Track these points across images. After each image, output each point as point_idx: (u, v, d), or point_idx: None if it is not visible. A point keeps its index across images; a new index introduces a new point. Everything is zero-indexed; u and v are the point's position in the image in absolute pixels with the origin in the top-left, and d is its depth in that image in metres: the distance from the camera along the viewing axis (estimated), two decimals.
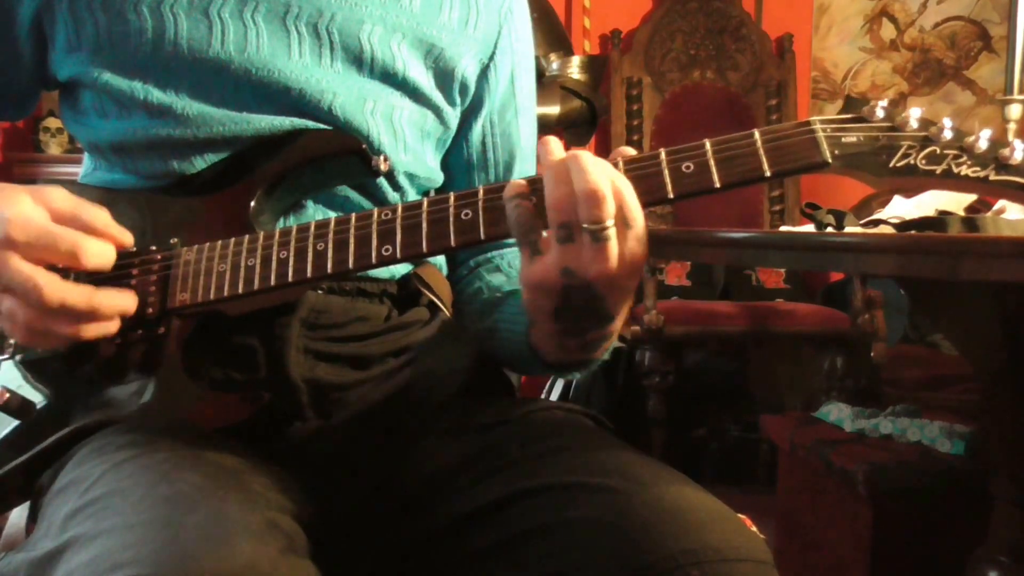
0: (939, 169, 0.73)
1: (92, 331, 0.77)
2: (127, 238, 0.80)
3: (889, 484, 1.69)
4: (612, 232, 0.69)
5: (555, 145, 0.73)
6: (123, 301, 0.78)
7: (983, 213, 1.39)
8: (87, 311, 0.76)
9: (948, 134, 0.73)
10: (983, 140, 0.72)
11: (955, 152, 0.73)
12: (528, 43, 1.04)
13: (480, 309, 0.95)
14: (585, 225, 0.69)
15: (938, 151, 0.73)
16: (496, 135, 1.01)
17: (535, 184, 0.73)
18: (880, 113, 0.74)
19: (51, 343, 0.78)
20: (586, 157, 0.70)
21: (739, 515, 0.73)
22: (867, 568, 1.74)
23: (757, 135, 0.73)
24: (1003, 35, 3.45)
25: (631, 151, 0.75)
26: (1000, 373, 1.35)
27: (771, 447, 2.63)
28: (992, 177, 0.72)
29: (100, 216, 0.79)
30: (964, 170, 0.72)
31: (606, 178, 0.69)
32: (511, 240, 0.99)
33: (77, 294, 0.75)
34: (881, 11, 3.69)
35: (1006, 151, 0.72)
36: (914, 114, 0.74)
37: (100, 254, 0.77)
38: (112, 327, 0.78)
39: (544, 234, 0.72)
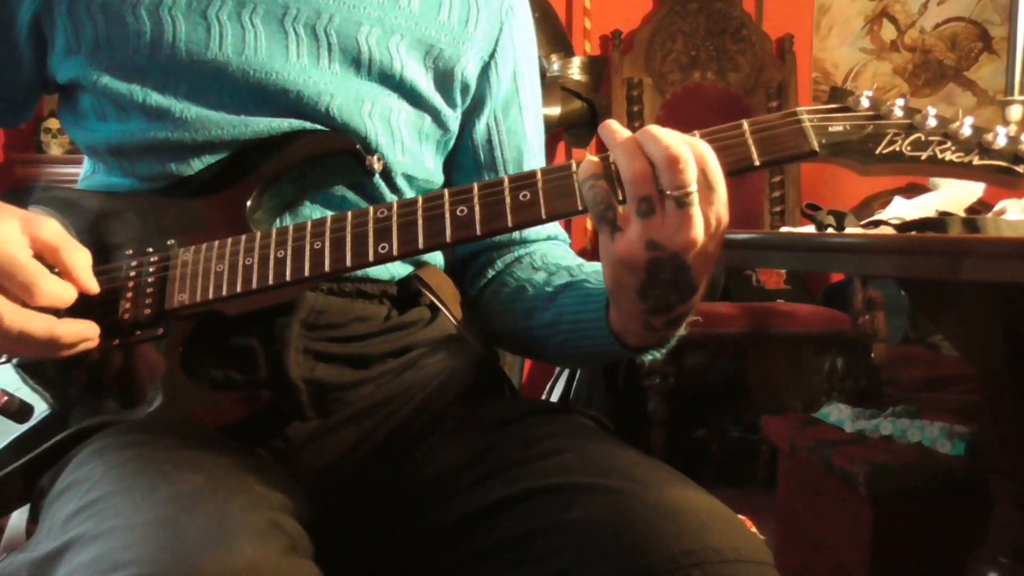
0: (924, 155, 0.74)
1: (59, 354, 0.78)
2: (93, 287, 0.80)
3: (889, 485, 1.69)
4: (696, 197, 0.69)
5: (618, 125, 0.73)
6: (85, 331, 0.78)
7: (983, 214, 1.39)
8: (46, 341, 0.76)
9: (932, 121, 0.74)
10: (967, 127, 0.74)
11: (939, 139, 0.74)
12: (530, 40, 1.04)
13: (529, 306, 0.93)
14: (669, 192, 0.69)
15: (923, 138, 0.74)
16: (502, 132, 1.01)
17: (604, 163, 0.73)
18: (865, 103, 0.76)
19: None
20: (657, 128, 0.71)
21: (739, 516, 0.73)
22: (867, 568, 1.73)
23: (746, 125, 0.75)
24: (1004, 36, 3.44)
25: (594, 158, 0.74)
26: (1000, 373, 1.36)
27: (771, 448, 2.62)
28: (976, 162, 0.74)
29: (78, 258, 0.79)
30: (948, 156, 0.74)
31: (684, 143, 0.70)
32: (533, 236, 1.00)
33: (36, 324, 0.76)
34: (882, 12, 3.69)
35: (989, 136, 0.74)
36: (899, 103, 0.75)
37: (54, 294, 0.77)
38: (88, 347, 0.79)
39: (621, 211, 0.72)
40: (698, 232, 0.70)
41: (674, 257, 0.71)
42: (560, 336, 0.89)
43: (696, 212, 0.69)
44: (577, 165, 0.75)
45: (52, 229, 0.79)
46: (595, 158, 0.74)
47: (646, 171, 0.70)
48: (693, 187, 0.69)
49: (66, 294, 0.78)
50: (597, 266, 0.89)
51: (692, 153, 0.69)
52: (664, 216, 0.70)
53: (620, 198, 0.72)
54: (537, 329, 0.92)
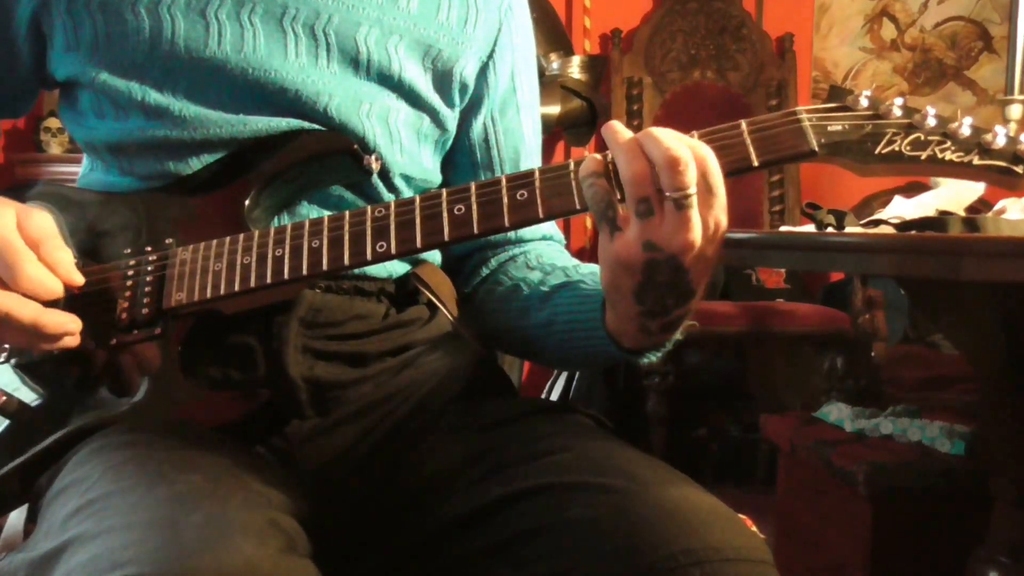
0: (924, 155, 0.74)
1: (43, 345, 0.78)
2: (76, 279, 0.80)
3: (889, 484, 1.69)
4: (695, 199, 0.69)
5: (620, 126, 0.73)
6: (69, 324, 0.78)
7: (983, 213, 1.39)
8: (30, 325, 0.76)
9: (932, 121, 0.74)
10: (966, 126, 0.74)
11: (939, 138, 0.74)
12: (529, 39, 1.04)
13: (523, 306, 0.93)
14: (668, 193, 0.69)
15: (922, 137, 0.74)
16: (499, 132, 1.01)
17: (605, 162, 0.73)
18: (864, 102, 0.75)
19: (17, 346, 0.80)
20: (659, 130, 0.71)
21: (739, 515, 0.73)
22: (867, 568, 1.73)
23: (744, 125, 0.74)
24: (1004, 35, 3.44)
25: (596, 156, 0.74)
26: (1000, 373, 1.36)
27: (771, 447, 2.62)
28: (976, 162, 0.74)
29: (59, 255, 0.79)
30: (948, 155, 0.74)
31: (685, 145, 0.69)
32: (529, 235, 1.00)
33: (24, 308, 0.76)
34: (882, 11, 3.69)
35: (989, 136, 0.73)
36: (897, 102, 0.75)
37: (36, 279, 0.77)
38: (69, 343, 0.78)
39: (621, 211, 0.72)
40: (696, 235, 0.70)
41: (671, 259, 0.71)
42: (555, 336, 0.89)
43: (695, 215, 0.69)
44: (576, 164, 0.75)
45: (41, 223, 0.79)
46: (596, 156, 0.74)
47: (645, 172, 0.69)
48: (692, 189, 0.69)
49: (48, 282, 0.78)
50: (593, 267, 0.89)
51: (692, 156, 0.69)
52: (662, 217, 0.70)
53: (620, 198, 0.72)
54: (531, 329, 0.92)
